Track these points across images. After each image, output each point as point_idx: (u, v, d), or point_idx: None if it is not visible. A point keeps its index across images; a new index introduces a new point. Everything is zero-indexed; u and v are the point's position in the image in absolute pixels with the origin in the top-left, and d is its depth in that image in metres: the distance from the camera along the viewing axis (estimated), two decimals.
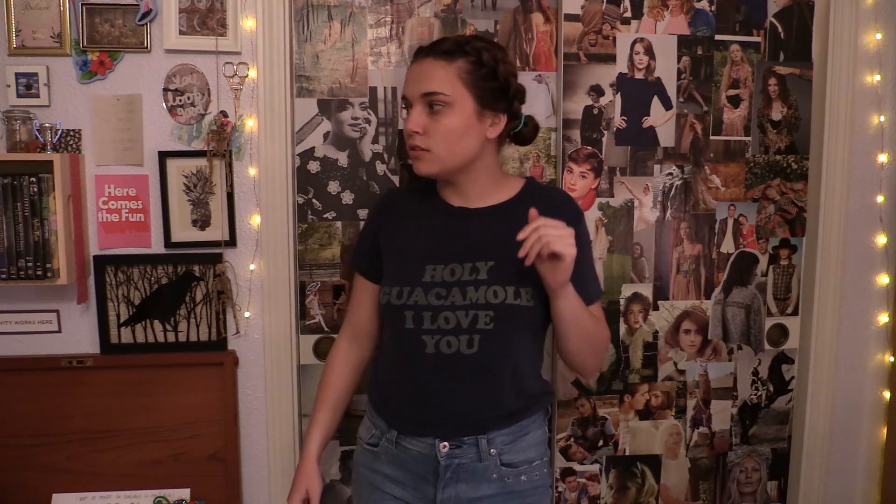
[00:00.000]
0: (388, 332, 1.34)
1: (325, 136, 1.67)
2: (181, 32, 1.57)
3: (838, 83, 1.74)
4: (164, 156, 1.59)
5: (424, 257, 1.27)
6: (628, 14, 1.70)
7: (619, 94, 1.71)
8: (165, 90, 1.59)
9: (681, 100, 1.74)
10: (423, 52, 1.26)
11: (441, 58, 1.22)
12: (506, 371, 1.25)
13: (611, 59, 1.69)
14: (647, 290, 1.78)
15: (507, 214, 1.28)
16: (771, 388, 1.87)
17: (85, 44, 1.55)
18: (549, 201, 1.28)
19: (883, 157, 1.80)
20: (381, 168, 1.69)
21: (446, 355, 1.23)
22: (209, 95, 1.60)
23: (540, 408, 1.33)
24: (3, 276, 1.47)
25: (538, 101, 1.69)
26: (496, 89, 1.25)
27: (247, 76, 1.61)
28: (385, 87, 1.67)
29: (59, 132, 1.56)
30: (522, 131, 1.34)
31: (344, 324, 1.48)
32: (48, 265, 1.48)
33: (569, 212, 1.28)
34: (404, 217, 1.35)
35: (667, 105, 1.73)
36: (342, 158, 1.68)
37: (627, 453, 1.82)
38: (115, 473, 1.65)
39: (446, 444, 1.25)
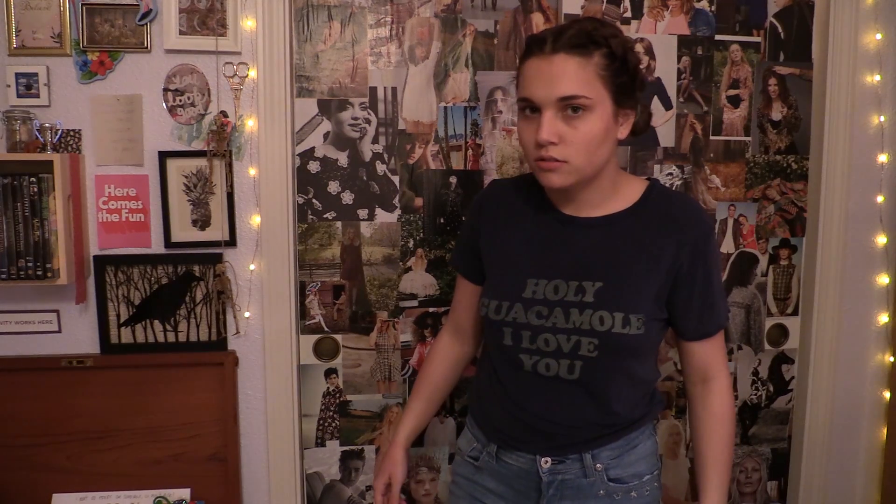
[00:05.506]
0: (487, 341, 1.26)
1: (325, 136, 1.67)
2: (181, 32, 1.57)
3: (838, 83, 1.73)
4: (164, 156, 1.59)
5: (526, 270, 1.15)
6: (628, 14, 1.70)
7: None
8: (165, 90, 1.59)
9: (681, 100, 1.74)
10: (550, 46, 1.05)
11: (575, 53, 1.04)
12: (610, 397, 1.15)
13: None
14: None
15: (621, 228, 1.14)
16: (771, 388, 1.87)
17: (85, 44, 1.55)
18: (671, 215, 1.13)
19: (883, 157, 1.79)
20: (381, 168, 1.69)
21: (544, 377, 1.14)
22: (209, 95, 1.60)
23: (649, 419, 1.23)
24: (3, 276, 1.47)
25: None
26: (629, 83, 1.09)
27: (247, 76, 1.61)
28: (385, 87, 1.67)
29: (59, 132, 1.56)
30: (639, 122, 1.16)
31: (447, 318, 1.40)
32: (48, 265, 1.48)
33: (694, 229, 1.13)
34: (507, 219, 1.22)
35: (667, 105, 1.73)
36: (342, 158, 1.68)
37: None
38: (115, 473, 1.65)
39: (548, 459, 1.17)
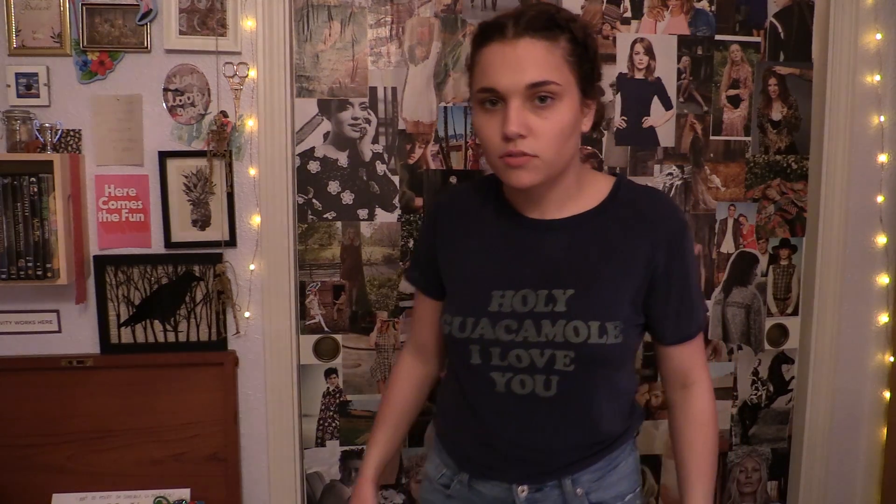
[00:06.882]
0: (453, 362, 1.17)
1: (325, 136, 1.67)
2: (181, 32, 1.57)
3: (838, 83, 1.73)
4: (164, 156, 1.59)
5: (490, 281, 1.07)
6: (628, 14, 1.70)
7: (619, 94, 1.71)
8: (165, 90, 1.59)
9: (681, 100, 1.74)
10: (513, 31, 0.97)
11: (541, 37, 0.96)
12: (591, 413, 1.08)
13: (611, 59, 1.69)
14: None
15: (589, 229, 1.06)
16: (771, 388, 1.87)
17: (85, 44, 1.55)
18: (641, 212, 1.07)
19: (883, 157, 1.79)
20: (381, 168, 1.69)
21: (519, 395, 1.06)
22: (209, 95, 1.60)
23: (630, 434, 1.17)
24: (3, 276, 1.47)
25: None
26: (591, 71, 1.03)
27: (247, 76, 1.61)
28: (385, 87, 1.67)
29: (59, 132, 1.56)
30: (598, 113, 1.11)
31: (408, 338, 1.32)
32: (48, 265, 1.48)
33: (668, 226, 1.06)
34: (465, 228, 1.14)
35: (667, 105, 1.73)
36: (342, 158, 1.68)
37: None
38: (115, 473, 1.65)
39: (525, 487, 1.09)
